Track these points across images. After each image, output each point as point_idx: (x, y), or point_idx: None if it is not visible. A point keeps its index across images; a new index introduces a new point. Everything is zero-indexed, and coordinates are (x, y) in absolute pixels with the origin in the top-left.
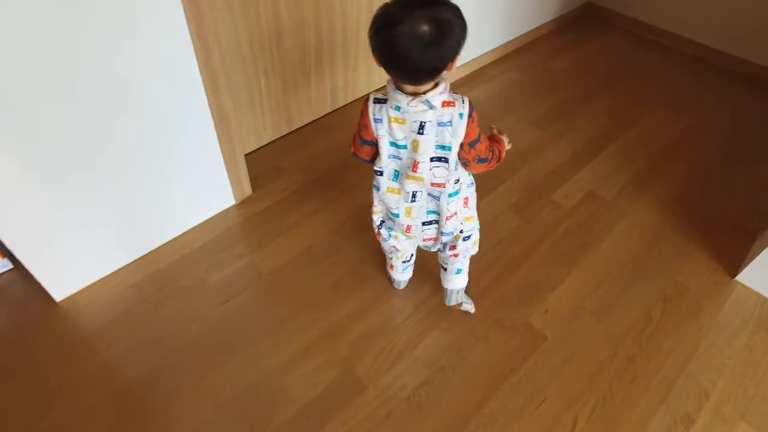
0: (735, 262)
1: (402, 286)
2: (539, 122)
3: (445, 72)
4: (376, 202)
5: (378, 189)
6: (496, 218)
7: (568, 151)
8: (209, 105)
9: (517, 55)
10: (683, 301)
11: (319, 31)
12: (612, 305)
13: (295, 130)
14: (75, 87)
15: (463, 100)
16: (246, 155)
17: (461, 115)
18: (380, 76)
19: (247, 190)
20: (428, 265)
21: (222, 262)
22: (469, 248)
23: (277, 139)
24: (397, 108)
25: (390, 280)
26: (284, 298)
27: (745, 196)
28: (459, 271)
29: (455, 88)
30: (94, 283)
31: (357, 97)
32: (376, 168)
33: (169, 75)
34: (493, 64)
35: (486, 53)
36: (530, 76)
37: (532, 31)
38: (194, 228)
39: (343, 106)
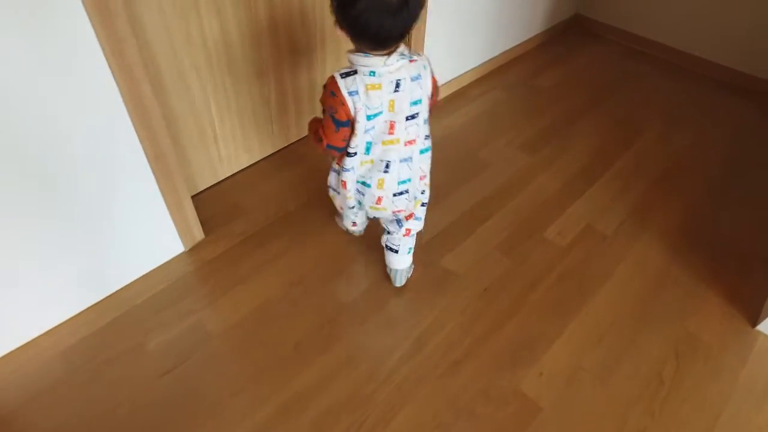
0: (753, 306)
1: (361, 230)
2: (528, 146)
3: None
4: (347, 187)
5: (349, 171)
6: (482, 260)
7: (561, 178)
8: (142, 146)
9: (501, 72)
10: (698, 356)
11: (276, 45)
12: (616, 365)
13: (257, 162)
14: None
15: (419, 54)
16: (200, 193)
17: (425, 66)
18: None
19: (198, 234)
20: (403, 322)
21: (165, 322)
22: (422, 219)
23: (237, 172)
24: (372, 74)
25: (345, 230)
26: (235, 365)
27: (755, 219)
28: (410, 250)
29: (436, 108)
30: (12, 352)
31: None
32: (349, 151)
33: (87, 115)
34: (476, 82)
35: (468, 71)
36: (516, 95)
37: (516, 46)
38: (136, 281)
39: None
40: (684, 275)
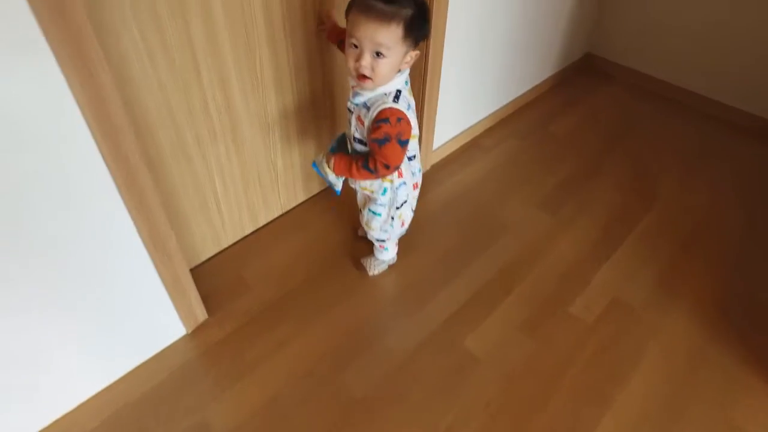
0: None
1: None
2: (547, 204)
3: None
4: (419, 186)
5: (414, 174)
6: (504, 343)
7: (583, 243)
8: (140, 235)
9: (514, 119)
10: None
11: (283, 107)
12: None
13: (261, 227)
14: None
15: None
16: (201, 264)
17: None
18: None
19: (201, 315)
20: (422, 419)
21: (165, 422)
22: None
23: (240, 240)
24: (406, 83)
25: (391, 262)
26: None
27: None
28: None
29: (449, 162)
30: None
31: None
32: (410, 155)
33: (78, 206)
34: (489, 131)
35: (480, 120)
36: (531, 144)
37: (529, 91)
38: (133, 371)
39: (318, 194)
40: (722, 355)
